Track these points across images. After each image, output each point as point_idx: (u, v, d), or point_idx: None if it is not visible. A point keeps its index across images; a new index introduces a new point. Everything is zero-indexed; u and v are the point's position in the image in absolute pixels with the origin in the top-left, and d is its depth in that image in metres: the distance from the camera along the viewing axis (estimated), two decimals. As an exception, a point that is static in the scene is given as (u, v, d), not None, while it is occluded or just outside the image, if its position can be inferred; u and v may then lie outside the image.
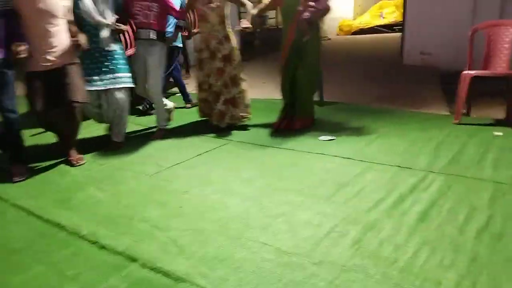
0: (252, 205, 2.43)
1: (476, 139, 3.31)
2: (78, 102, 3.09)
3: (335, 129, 3.78)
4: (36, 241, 2.19)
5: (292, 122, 3.89)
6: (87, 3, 3.32)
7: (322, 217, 2.24)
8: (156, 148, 3.60)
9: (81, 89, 3.16)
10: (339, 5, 11.05)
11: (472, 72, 3.70)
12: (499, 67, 3.79)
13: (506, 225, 2.06)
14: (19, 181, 2.98)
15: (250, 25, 3.79)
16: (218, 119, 3.90)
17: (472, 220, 2.13)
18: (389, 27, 10.55)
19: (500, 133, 3.43)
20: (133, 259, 1.96)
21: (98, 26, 3.37)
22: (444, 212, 2.23)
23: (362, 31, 10.93)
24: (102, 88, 3.42)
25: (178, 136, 3.88)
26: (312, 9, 3.57)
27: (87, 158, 3.38)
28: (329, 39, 10.04)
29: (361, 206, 2.33)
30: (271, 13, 10.32)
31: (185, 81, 5.30)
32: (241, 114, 3.95)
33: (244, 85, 3.94)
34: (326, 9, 3.69)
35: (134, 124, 4.28)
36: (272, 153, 3.32)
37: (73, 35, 3.17)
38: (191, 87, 5.20)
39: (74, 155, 3.30)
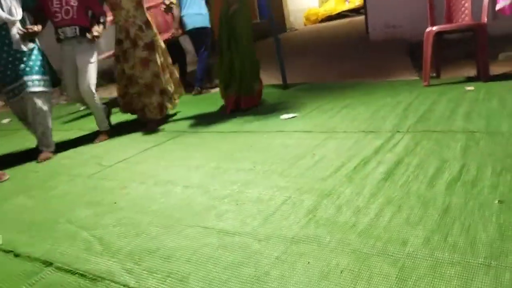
0: (196, 191, 2.12)
1: (446, 96, 3.06)
2: None
3: (298, 107, 3.51)
4: None
5: (239, 102, 3.70)
6: None
7: (274, 191, 1.95)
8: (100, 149, 3.28)
9: None
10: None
11: (435, 28, 3.47)
12: (462, 21, 3.56)
13: (480, 172, 1.79)
14: None
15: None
16: (156, 112, 3.58)
17: (443, 172, 1.85)
18: (355, 11, 10.40)
19: (472, 88, 3.19)
20: (49, 263, 1.64)
21: (5, 25, 2.96)
22: (412, 168, 1.95)
23: (329, 18, 10.77)
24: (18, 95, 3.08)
25: (126, 133, 3.59)
26: None
27: (20, 168, 3.05)
28: (296, 29, 9.85)
29: (318, 175, 2.04)
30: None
31: None
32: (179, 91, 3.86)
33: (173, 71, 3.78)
34: None
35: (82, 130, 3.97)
36: (229, 138, 3.03)
37: None
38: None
39: None
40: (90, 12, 3.42)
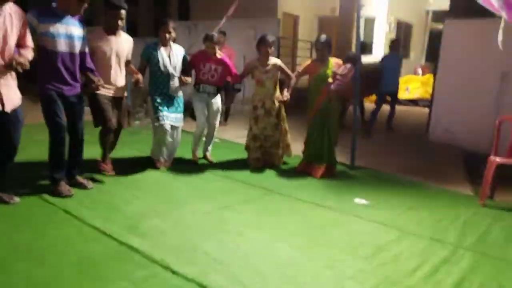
0: (301, 255, 2.73)
1: (502, 223, 3.57)
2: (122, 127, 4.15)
3: (368, 194, 4.11)
4: (114, 259, 2.51)
5: (314, 169, 4.66)
6: (165, 57, 4.23)
7: (365, 275, 2.53)
8: (205, 189, 4.01)
9: (125, 117, 4.25)
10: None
11: (498, 159, 4.06)
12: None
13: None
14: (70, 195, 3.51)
15: (289, 96, 4.61)
16: (278, 160, 4.88)
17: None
18: (413, 102, 11.11)
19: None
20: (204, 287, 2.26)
21: (169, 77, 4.32)
22: (475, 287, 2.49)
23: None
24: (173, 123, 4.39)
25: (217, 179, 4.40)
26: (339, 81, 4.60)
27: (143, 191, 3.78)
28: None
29: (400, 270, 2.61)
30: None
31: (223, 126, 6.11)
32: (289, 152, 5.01)
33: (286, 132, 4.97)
34: (351, 81, 4.75)
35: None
36: (312, 208, 3.65)
37: (132, 72, 4.08)
38: (228, 134, 5.78)
39: (108, 165, 4.14)
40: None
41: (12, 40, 2.90)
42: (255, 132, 4.74)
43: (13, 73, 2.98)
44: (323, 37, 4.61)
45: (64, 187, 3.50)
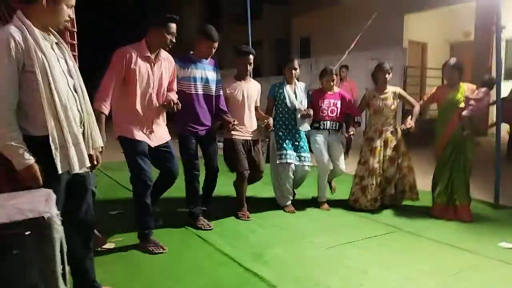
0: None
1: None
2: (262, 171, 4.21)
3: (517, 237, 3.56)
4: (240, 285, 2.64)
5: (455, 212, 4.09)
6: (291, 94, 4.33)
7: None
8: (327, 223, 3.97)
9: (262, 160, 4.25)
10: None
11: None
12: None
13: None
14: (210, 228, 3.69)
15: (413, 125, 4.23)
16: (398, 201, 4.43)
17: None
18: None
19: None
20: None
21: (295, 112, 4.33)
22: None
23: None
24: (298, 162, 4.31)
25: (341, 213, 4.30)
26: (473, 107, 4.05)
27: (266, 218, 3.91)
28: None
29: None
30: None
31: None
32: (414, 195, 4.43)
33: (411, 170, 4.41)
34: (486, 107, 4.10)
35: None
36: (446, 249, 3.30)
37: (261, 117, 4.19)
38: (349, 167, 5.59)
39: (245, 212, 4.08)
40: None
41: (165, 84, 3.32)
42: (372, 165, 4.31)
43: (164, 114, 3.38)
44: (453, 59, 4.25)
45: (202, 221, 3.72)
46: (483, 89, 4.32)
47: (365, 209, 4.31)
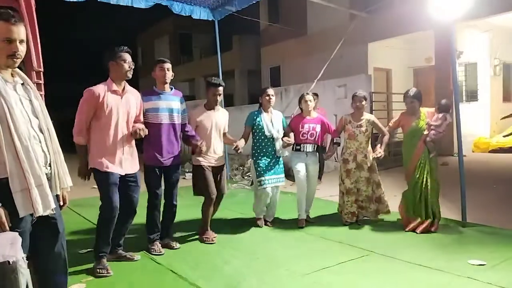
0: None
1: None
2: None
3: (484, 254, 3.66)
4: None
5: (417, 224, 4.42)
6: (268, 122, 4.58)
7: None
8: (301, 250, 3.96)
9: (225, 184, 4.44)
10: (474, 123, 10.91)
11: None
12: None
13: None
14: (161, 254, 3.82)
15: (383, 154, 4.60)
16: (372, 214, 4.80)
17: None
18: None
19: None
20: None
21: (273, 140, 4.62)
22: None
23: (501, 150, 10.52)
24: (274, 184, 4.61)
25: (315, 239, 4.30)
26: (435, 132, 4.55)
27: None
28: (465, 155, 9.76)
29: None
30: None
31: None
32: (385, 209, 4.80)
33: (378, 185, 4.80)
34: (446, 129, 4.63)
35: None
36: (419, 270, 3.35)
37: (230, 141, 4.43)
38: (321, 192, 5.65)
39: (209, 235, 4.23)
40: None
41: (134, 114, 3.50)
42: (347, 186, 4.70)
43: (134, 144, 3.52)
44: (412, 90, 4.67)
45: (156, 246, 3.87)
46: (441, 115, 4.71)
47: (346, 223, 4.73)
